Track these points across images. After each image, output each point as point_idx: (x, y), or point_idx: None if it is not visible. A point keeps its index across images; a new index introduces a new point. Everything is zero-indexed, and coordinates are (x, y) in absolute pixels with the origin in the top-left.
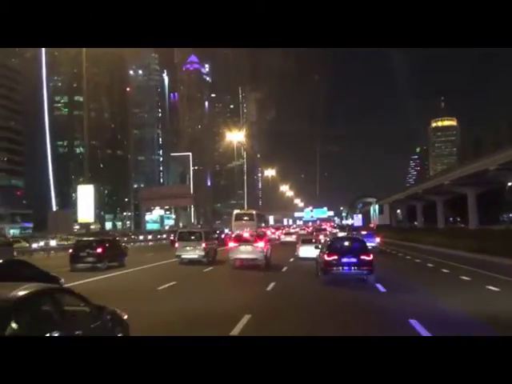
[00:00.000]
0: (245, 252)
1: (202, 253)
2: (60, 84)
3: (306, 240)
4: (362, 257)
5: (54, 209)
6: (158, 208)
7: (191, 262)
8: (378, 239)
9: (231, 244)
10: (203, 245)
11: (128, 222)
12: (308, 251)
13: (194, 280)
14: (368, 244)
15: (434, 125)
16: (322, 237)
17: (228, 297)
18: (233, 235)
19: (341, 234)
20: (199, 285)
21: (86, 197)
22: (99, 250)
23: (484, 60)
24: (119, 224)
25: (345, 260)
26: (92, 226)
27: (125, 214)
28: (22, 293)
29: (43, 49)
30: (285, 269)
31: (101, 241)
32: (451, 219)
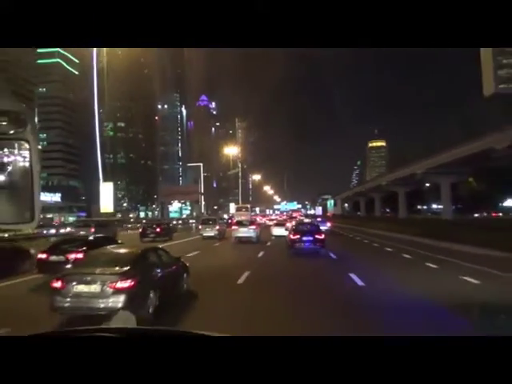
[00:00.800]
0: (242, 232)
1: (217, 232)
2: (107, 113)
3: (278, 224)
4: (317, 236)
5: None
6: (176, 202)
7: (209, 237)
8: (329, 224)
9: (234, 227)
10: (217, 227)
11: (156, 212)
12: (279, 231)
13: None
14: (322, 227)
15: (370, 145)
16: (293, 222)
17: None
18: (234, 220)
19: (306, 220)
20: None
21: (106, 192)
22: (158, 230)
23: (409, 96)
24: (150, 213)
25: (304, 238)
26: (130, 215)
27: (154, 206)
28: (146, 248)
29: (95, 87)
30: (269, 243)
31: (159, 223)
32: (382, 210)
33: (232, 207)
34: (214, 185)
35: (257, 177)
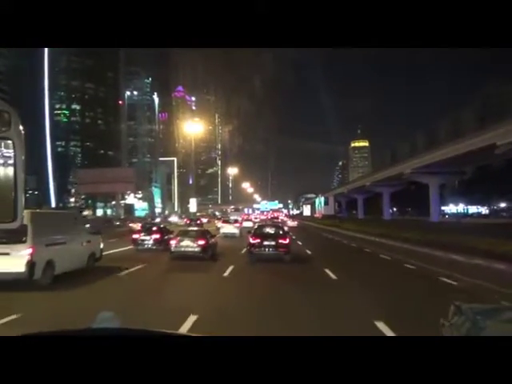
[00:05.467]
0: (228, 229)
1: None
2: (59, 93)
3: (245, 219)
4: (280, 241)
5: (53, 196)
6: (132, 196)
7: None
8: (295, 222)
9: (221, 224)
10: (221, 221)
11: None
12: (247, 224)
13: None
14: (290, 224)
15: (352, 145)
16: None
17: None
18: (222, 219)
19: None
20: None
21: None
22: (197, 222)
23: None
24: (109, 211)
25: (266, 243)
26: (85, 212)
27: (113, 202)
28: (206, 228)
29: (46, 65)
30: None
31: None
32: (394, 210)
33: (193, 202)
34: (190, 181)
35: (234, 171)
